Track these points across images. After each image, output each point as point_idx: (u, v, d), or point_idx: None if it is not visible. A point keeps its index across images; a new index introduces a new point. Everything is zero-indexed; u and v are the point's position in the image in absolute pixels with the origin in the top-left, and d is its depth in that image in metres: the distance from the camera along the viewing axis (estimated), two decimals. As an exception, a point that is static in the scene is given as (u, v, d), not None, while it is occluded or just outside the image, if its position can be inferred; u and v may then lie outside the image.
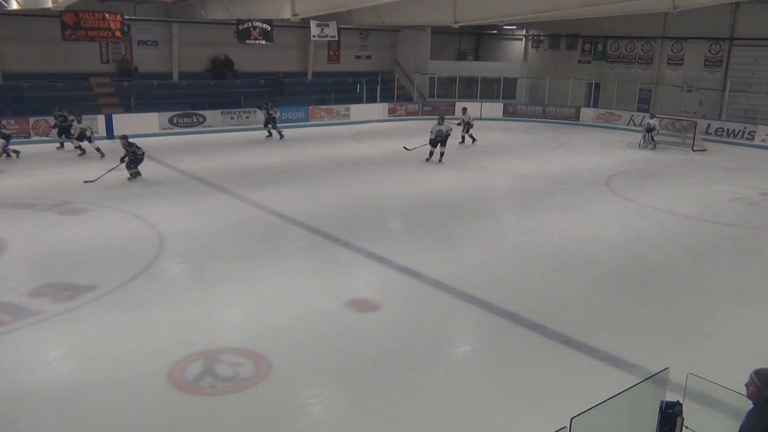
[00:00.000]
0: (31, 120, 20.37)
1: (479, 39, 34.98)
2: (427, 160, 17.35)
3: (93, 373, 6.25)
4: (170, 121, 22.63)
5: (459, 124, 20.87)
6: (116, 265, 9.15)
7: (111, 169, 14.63)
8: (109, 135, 21.38)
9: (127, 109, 22.73)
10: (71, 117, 18.59)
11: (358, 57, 30.70)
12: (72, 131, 18.12)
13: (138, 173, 15.03)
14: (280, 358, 6.52)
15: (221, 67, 26.47)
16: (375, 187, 14.91)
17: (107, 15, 20.54)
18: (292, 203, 12.92)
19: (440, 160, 17.31)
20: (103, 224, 11.38)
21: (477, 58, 34.43)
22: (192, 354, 6.55)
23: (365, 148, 20.62)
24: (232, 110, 24.31)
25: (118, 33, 21.11)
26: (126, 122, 21.70)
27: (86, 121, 18.90)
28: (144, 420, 5.50)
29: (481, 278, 8.99)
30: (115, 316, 7.53)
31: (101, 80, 23.61)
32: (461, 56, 33.80)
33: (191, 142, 21.00)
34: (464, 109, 22.00)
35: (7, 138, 17.37)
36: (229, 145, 20.64)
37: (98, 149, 17.69)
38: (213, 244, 10.35)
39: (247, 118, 24.33)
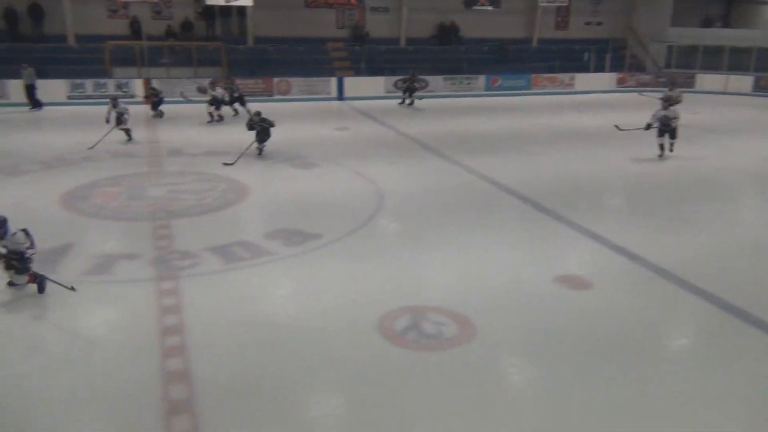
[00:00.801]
0: (275, 80, 22.50)
1: (731, 3, 31.14)
2: (659, 156, 14.16)
3: (312, 313, 6.83)
4: (395, 85, 23.51)
5: (661, 99, 16.45)
6: (339, 218, 9.85)
7: (248, 147, 13.45)
8: (339, 96, 22.90)
9: (357, 73, 24.07)
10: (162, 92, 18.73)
11: (587, 23, 29.11)
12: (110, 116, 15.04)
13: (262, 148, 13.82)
14: (484, 325, 6.57)
15: (446, 33, 26.78)
16: (596, 161, 14.18)
17: (345, -18, 21.78)
18: (507, 172, 12.79)
19: (671, 150, 14.11)
20: (331, 179, 12.28)
21: (727, 25, 30.75)
22: (401, 308, 6.86)
23: (589, 119, 19.65)
24: (455, 76, 24.58)
25: (353, 0, 22.28)
26: (355, 85, 23.09)
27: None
28: (352, 361, 5.90)
29: (709, 268, 8.17)
30: (336, 264, 8.13)
31: (336, 45, 25.21)
32: (707, 23, 30.42)
33: (413, 106, 21.66)
34: (671, 84, 19.17)
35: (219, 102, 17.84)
36: (449, 111, 20.95)
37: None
38: (427, 206, 10.66)
39: (468, 84, 24.45)
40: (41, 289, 6.97)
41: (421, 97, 22.10)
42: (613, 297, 7.38)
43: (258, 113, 13.75)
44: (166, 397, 5.26)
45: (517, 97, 24.12)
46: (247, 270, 7.94)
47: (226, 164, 12.74)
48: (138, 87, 20.99)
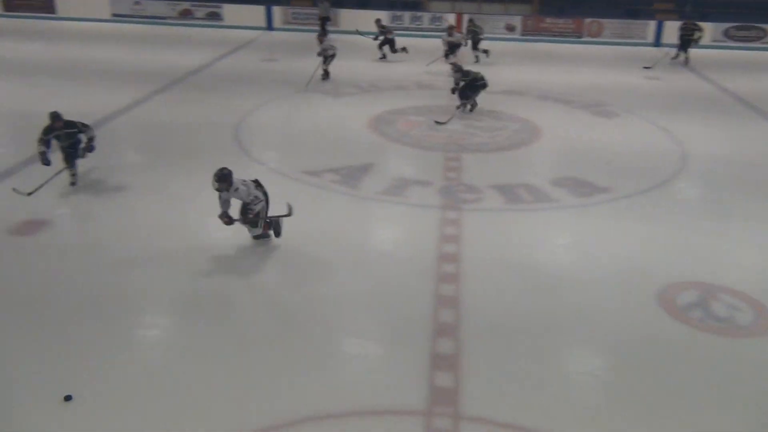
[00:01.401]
0: (586, 21, 21.38)
1: None
2: None
3: (587, 267, 6.60)
4: (725, 33, 20.70)
5: None
6: (633, 174, 9.21)
7: (459, 107, 11.93)
8: (656, 42, 20.98)
9: (682, 17, 21.64)
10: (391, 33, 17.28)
11: None
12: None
13: (474, 104, 12.24)
14: (790, 319, 5.70)
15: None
16: None
17: None
18: None
19: None
20: (630, 131, 11.48)
21: None
22: (689, 282, 6.27)
23: None
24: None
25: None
26: (676, 30, 20.81)
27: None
28: (624, 325, 5.62)
29: None
30: (621, 222, 7.68)
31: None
32: None
33: (745, 59, 18.97)
34: None
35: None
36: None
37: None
38: (742, 175, 9.35)
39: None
40: (278, 234, 6.81)
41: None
42: None
43: (454, 64, 12.53)
44: (436, 319, 5.62)
45: None
46: (527, 213, 7.93)
47: (438, 122, 11.44)
48: (451, 21, 21.68)
